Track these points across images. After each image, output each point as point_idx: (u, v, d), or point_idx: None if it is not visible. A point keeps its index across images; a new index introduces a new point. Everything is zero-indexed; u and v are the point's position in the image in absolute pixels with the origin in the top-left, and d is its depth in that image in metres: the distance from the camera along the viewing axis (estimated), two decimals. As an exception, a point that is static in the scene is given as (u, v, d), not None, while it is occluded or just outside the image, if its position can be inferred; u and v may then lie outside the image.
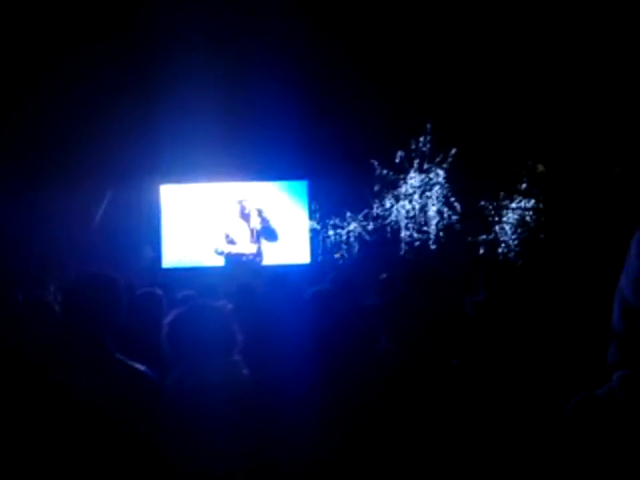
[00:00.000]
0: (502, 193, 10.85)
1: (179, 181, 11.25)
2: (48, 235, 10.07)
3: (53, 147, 10.08)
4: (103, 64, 10.00)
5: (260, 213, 11.02)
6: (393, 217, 10.92)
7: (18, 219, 10.08)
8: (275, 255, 10.91)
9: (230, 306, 2.89)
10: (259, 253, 10.91)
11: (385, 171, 10.79)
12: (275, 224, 11.04)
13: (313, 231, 11.17)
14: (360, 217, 11.00)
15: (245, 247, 10.91)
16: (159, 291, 4.01)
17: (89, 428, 2.23)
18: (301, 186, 11.38)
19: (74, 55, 9.60)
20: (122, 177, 10.50)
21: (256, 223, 11.01)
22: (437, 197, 10.88)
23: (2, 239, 9.81)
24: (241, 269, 10.42)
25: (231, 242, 10.94)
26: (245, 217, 11.04)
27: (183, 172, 10.77)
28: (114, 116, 9.75)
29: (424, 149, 10.80)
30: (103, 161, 10.02)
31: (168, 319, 2.64)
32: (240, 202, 11.06)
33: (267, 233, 10.99)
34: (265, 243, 10.97)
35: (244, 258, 10.82)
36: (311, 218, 11.21)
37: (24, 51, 9.64)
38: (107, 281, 2.45)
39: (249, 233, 10.99)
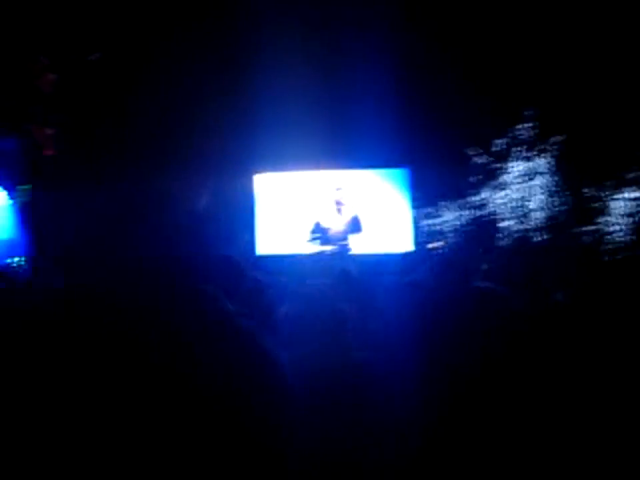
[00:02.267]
0: (609, 182, 10.36)
1: (273, 170, 11.29)
2: (147, 224, 10.32)
3: (149, 139, 10.32)
4: (194, 53, 10.15)
5: (352, 202, 10.90)
6: (494, 207, 10.63)
7: (118, 209, 10.40)
8: (376, 244, 10.78)
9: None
10: (349, 242, 10.82)
11: (487, 159, 10.50)
12: (362, 215, 10.91)
13: (414, 220, 11.00)
14: (461, 205, 10.75)
15: (337, 235, 10.83)
16: (261, 277, 3.98)
17: (211, 402, 2.23)
18: (402, 174, 11.18)
19: (167, 45, 9.80)
20: (218, 167, 10.63)
21: (348, 212, 10.91)
22: (540, 186, 10.51)
23: (106, 228, 10.16)
24: (333, 258, 10.36)
25: (323, 231, 10.88)
26: (339, 205, 10.96)
27: (278, 160, 10.80)
28: (208, 105, 9.88)
29: (527, 136, 10.44)
30: (199, 151, 10.18)
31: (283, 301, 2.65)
32: (336, 190, 10.98)
33: (353, 223, 10.88)
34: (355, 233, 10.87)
35: (334, 247, 10.74)
36: (412, 207, 11.03)
37: (125, 43, 9.90)
38: (234, 263, 2.49)
39: (341, 221, 10.90)
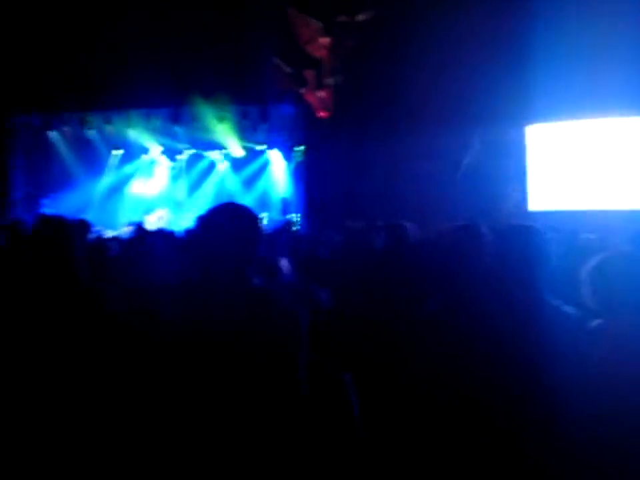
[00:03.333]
0: None
1: (546, 120, 10.61)
2: (414, 178, 10.41)
3: (419, 95, 10.27)
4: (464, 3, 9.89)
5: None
6: None
7: (388, 168, 10.63)
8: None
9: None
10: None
11: None
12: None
13: None
14: None
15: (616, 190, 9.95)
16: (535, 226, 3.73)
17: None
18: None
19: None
20: (488, 118, 10.27)
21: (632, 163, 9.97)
22: None
23: (370, 184, 10.48)
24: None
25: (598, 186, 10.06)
26: (618, 155, 10.07)
27: (551, 110, 10.10)
28: (479, 56, 9.58)
29: None
30: (470, 102, 9.94)
31: (590, 264, 2.50)
32: (617, 138, 10.07)
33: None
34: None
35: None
36: None
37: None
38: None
39: (623, 173, 10.00)
